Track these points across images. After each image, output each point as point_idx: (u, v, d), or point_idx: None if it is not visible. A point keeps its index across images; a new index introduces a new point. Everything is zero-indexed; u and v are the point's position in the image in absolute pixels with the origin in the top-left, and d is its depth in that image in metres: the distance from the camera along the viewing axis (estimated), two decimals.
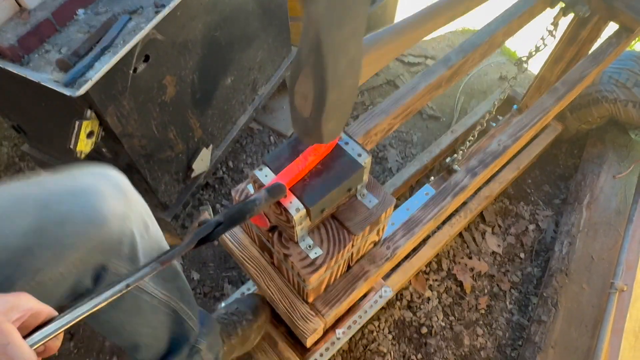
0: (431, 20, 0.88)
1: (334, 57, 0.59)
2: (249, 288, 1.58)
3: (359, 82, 0.69)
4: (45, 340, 0.55)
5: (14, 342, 0.50)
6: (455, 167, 1.84)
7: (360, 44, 0.63)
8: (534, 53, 1.54)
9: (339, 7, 0.55)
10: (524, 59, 1.58)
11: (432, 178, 1.88)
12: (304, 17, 0.55)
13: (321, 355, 1.43)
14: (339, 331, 1.43)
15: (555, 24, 1.51)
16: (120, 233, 0.82)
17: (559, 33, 1.61)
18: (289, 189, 0.79)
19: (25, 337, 0.53)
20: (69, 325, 0.57)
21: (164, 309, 1.03)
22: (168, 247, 0.98)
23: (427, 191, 1.80)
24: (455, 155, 1.83)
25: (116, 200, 0.82)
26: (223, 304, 1.52)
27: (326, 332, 1.43)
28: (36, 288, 0.72)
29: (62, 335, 0.59)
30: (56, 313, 0.58)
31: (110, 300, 0.60)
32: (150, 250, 0.93)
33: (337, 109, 0.67)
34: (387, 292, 1.51)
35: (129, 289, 0.62)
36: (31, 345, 0.53)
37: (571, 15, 1.55)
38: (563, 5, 1.47)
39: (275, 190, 0.75)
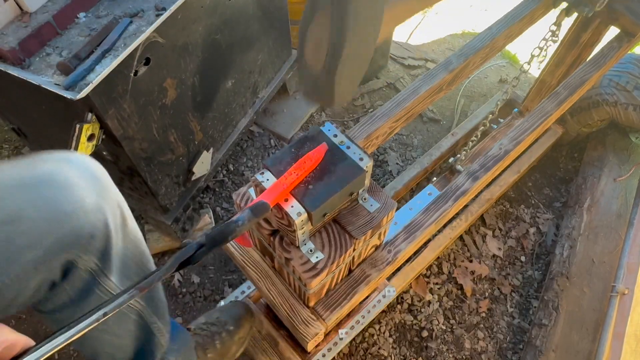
0: None
1: None
2: (249, 286, 1.57)
3: (378, 37, 0.63)
4: None
5: None
6: (459, 167, 1.84)
7: None
8: (537, 55, 1.54)
9: None
10: (528, 62, 1.58)
11: (435, 178, 1.88)
12: None
13: (323, 355, 1.43)
14: (341, 331, 1.42)
15: (558, 24, 1.51)
16: (91, 227, 0.73)
17: (561, 35, 1.60)
18: (290, 193, 0.79)
19: None
20: (45, 356, 0.55)
21: (132, 316, 0.94)
22: (146, 250, 0.95)
23: (430, 191, 1.80)
24: (459, 155, 1.83)
25: (86, 189, 0.73)
26: (221, 304, 1.48)
27: (329, 332, 1.42)
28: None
29: None
30: (33, 343, 0.57)
31: (86, 330, 0.58)
32: (125, 250, 0.86)
33: (352, 64, 0.60)
34: (391, 292, 1.50)
35: (106, 317, 0.59)
36: None
37: (573, 18, 1.55)
38: (566, 5, 1.47)
39: (258, 209, 0.72)
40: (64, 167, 0.73)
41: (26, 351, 0.55)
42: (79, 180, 0.73)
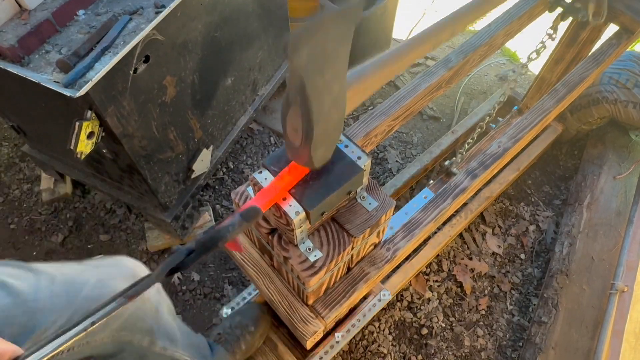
0: (416, 50, 0.93)
1: (318, 98, 0.64)
2: (250, 293, 1.58)
3: (344, 116, 0.75)
4: None
5: None
6: (454, 170, 1.84)
7: (343, 83, 0.69)
8: (534, 57, 1.54)
9: (320, 56, 0.60)
10: (525, 62, 1.58)
11: (431, 181, 1.88)
12: (289, 64, 0.60)
13: (320, 358, 1.43)
14: (337, 334, 1.43)
15: (554, 27, 1.51)
16: (141, 311, 0.99)
17: (559, 35, 1.60)
18: (288, 192, 0.79)
19: None
20: None
21: None
22: (175, 324, 1.16)
23: (425, 194, 1.80)
24: (454, 158, 1.82)
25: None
26: (224, 309, 1.53)
27: (325, 336, 1.43)
28: (81, 344, 0.85)
29: None
30: (22, 351, 0.57)
31: (75, 339, 0.59)
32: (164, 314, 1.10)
33: (324, 140, 0.72)
34: (386, 295, 1.51)
35: (94, 326, 0.60)
36: None
37: (569, 19, 1.55)
38: (562, 9, 1.47)
39: (249, 214, 0.72)
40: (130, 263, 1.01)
41: (16, 359, 0.56)
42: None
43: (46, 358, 0.56)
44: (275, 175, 0.80)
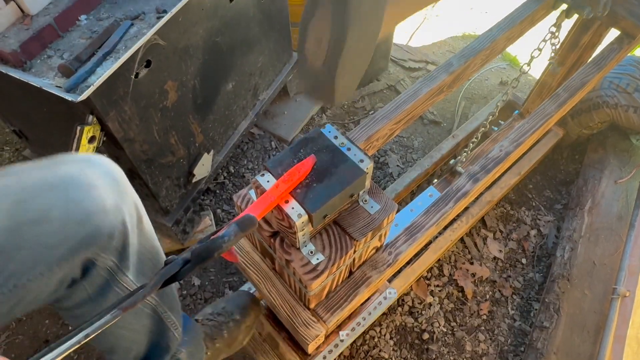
0: None
1: None
2: (249, 288, 1.57)
3: (379, 34, 0.62)
4: None
5: None
6: (459, 169, 1.84)
7: None
8: (536, 56, 1.54)
9: None
10: (528, 63, 1.59)
11: (436, 180, 1.88)
12: None
13: (324, 357, 1.42)
14: (342, 333, 1.42)
15: (557, 25, 1.51)
16: (110, 227, 0.75)
17: (561, 36, 1.60)
18: (290, 194, 0.79)
19: None
20: None
21: (148, 312, 0.97)
22: (159, 246, 0.97)
23: (431, 192, 1.79)
24: (459, 157, 1.83)
25: (106, 191, 0.75)
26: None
27: (329, 334, 1.42)
28: (14, 291, 0.68)
29: None
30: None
31: (68, 352, 0.57)
32: (140, 247, 0.88)
33: (353, 60, 0.60)
34: (392, 293, 1.50)
35: (87, 339, 0.59)
36: None
37: (573, 20, 1.55)
38: (566, 6, 1.47)
39: (245, 224, 0.71)
40: (86, 168, 0.75)
41: None
42: (101, 182, 0.75)
43: None
44: (278, 178, 0.80)
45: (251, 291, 1.49)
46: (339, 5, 0.52)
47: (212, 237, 0.69)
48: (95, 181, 0.74)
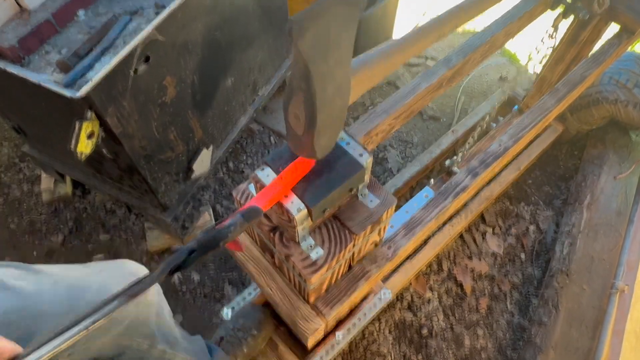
0: (421, 40, 0.94)
1: (321, 84, 0.64)
2: (250, 292, 1.58)
3: (347, 103, 0.74)
4: None
5: None
6: (455, 169, 1.84)
7: (347, 70, 0.69)
8: (533, 57, 1.54)
9: (324, 42, 0.60)
10: (526, 63, 1.58)
11: (432, 180, 1.88)
12: (294, 50, 0.60)
13: (321, 358, 1.43)
14: (338, 334, 1.42)
15: (555, 26, 1.51)
16: (143, 315, 0.99)
17: (559, 35, 1.60)
18: (291, 189, 0.79)
19: None
20: None
21: None
22: (175, 328, 1.19)
23: (426, 193, 1.79)
24: (455, 157, 1.82)
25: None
26: (225, 310, 1.51)
27: (326, 335, 1.43)
28: (82, 349, 0.84)
29: None
30: (20, 349, 0.57)
31: (78, 337, 0.58)
32: (162, 330, 1.10)
33: (327, 128, 0.71)
34: (387, 294, 1.51)
35: (96, 324, 0.59)
36: None
37: (571, 18, 1.55)
38: (563, 8, 1.47)
39: (250, 214, 0.72)
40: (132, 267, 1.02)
41: (14, 358, 0.55)
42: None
43: (46, 357, 0.55)
44: (278, 173, 0.80)
45: (244, 302, 1.53)
46: (308, 94, 0.64)
47: (217, 227, 0.70)
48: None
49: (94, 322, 0.59)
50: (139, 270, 1.02)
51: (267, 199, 0.76)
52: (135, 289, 0.63)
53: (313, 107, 0.65)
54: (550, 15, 1.54)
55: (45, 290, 0.80)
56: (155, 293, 1.08)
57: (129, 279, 0.88)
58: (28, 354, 0.55)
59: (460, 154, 1.78)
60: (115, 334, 0.93)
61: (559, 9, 1.48)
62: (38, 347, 0.55)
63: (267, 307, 1.50)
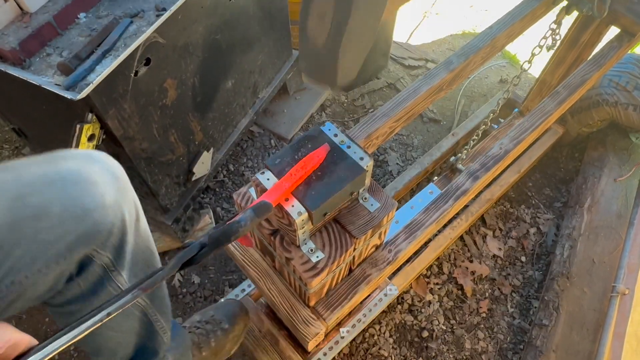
0: None
1: None
2: (249, 284, 1.57)
3: (382, 13, 0.63)
4: None
5: None
6: (460, 166, 1.84)
7: None
8: (537, 53, 1.54)
9: None
10: (529, 60, 1.59)
11: (437, 177, 1.88)
12: None
13: (324, 354, 1.43)
14: (343, 330, 1.42)
15: (558, 22, 1.51)
16: (109, 223, 0.75)
17: (562, 32, 1.60)
18: (292, 193, 0.79)
19: None
20: (49, 356, 0.55)
21: (137, 314, 0.96)
22: (155, 249, 0.96)
23: (431, 189, 1.79)
24: (460, 154, 1.83)
25: (106, 187, 0.75)
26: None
27: (329, 332, 1.42)
28: (11, 288, 0.67)
29: None
30: (36, 342, 0.57)
31: (90, 330, 0.58)
32: (136, 247, 0.87)
33: (356, 39, 0.59)
34: (393, 290, 1.50)
35: (110, 317, 0.59)
36: None
37: (573, 17, 1.55)
38: (566, 3, 1.47)
39: (261, 209, 0.72)
40: (86, 164, 0.75)
41: (30, 350, 0.55)
42: (101, 178, 0.75)
43: (60, 349, 0.56)
44: (279, 176, 0.80)
45: (243, 294, 1.48)
46: None
47: (228, 222, 0.70)
48: (95, 177, 0.74)
49: (108, 314, 0.59)
50: (91, 171, 0.75)
51: (278, 194, 0.77)
52: (148, 283, 0.62)
53: (349, 2, 0.54)
54: (551, 17, 1.55)
55: None
56: (131, 195, 0.86)
57: (79, 199, 0.71)
58: (44, 346, 0.55)
59: (465, 152, 1.78)
60: (65, 245, 0.71)
61: (562, 3, 1.47)
62: (51, 342, 0.55)
63: (243, 304, 1.41)
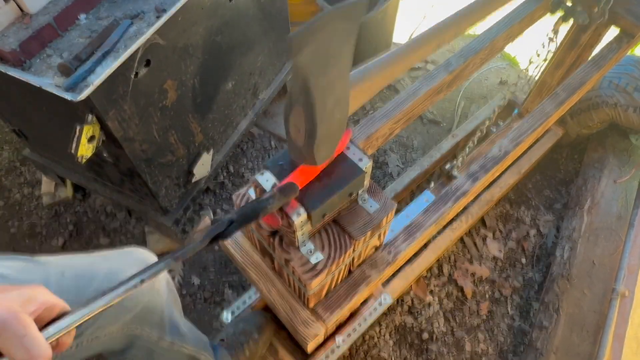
0: (419, 50, 0.95)
1: (321, 98, 0.65)
2: (250, 296, 1.57)
3: (347, 115, 0.75)
4: (59, 335, 0.54)
5: (31, 334, 0.49)
6: (455, 173, 1.84)
7: (346, 83, 0.69)
8: (534, 61, 1.55)
9: (323, 56, 0.60)
10: (527, 67, 1.59)
11: (432, 184, 1.88)
12: (293, 64, 0.60)
13: None
14: (339, 339, 1.42)
15: (555, 30, 1.52)
16: (152, 304, 0.98)
17: (559, 39, 1.61)
18: None
19: (40, 329, 0.52)
20: (82, 321, 0.56)
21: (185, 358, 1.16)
22: (183, 320, 1.19)
23: (426, 197, 1.80)
24: (455, 161, 1.82)
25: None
26: (225, 314, 1.52)
27: (326, 340, 1.42)
28: (90, 339, 0.83)
29: (74, 332, 0.58)
30: (69, 308, 0.58)
31: (123, 296, 0.59)
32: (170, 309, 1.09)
33: (327, 139, 0.73)
34: (387, 299, 1.50)
35: (143, 284, 0.61)
36: (46, 339, 0.52)
37: (571, 21, 1.55)
38: (563, 12, 1.48)
39: (287, 190, 0.75)
40: (140, 252, 1.00)
41: (64, 314, 0.55)
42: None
43: (94, 313, 0.57)
44: (279, 177, 0.80)
45: (244, 306, 1.54)
46: (308, 107, 0.65)
47: (256, 200, 0.73)
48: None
49: (142, 281, 0.61)
50: (148, 257, 1.01)
51: (304, 177, 0.78)
52: (180, 253, 0.65)
53: (313, 120, 0.66)
54: (551, 19, 1.55)
55: (52, 282, 0.79)
56: (164, 284, 1.07)
57: (138, 265, 0.90)
58: (76, 312, 0.56)
59: (460, 158, 1.78)
60: (125, 321, 0.92)
61: (559, 13, 1.49)
62: (85, 306, 0.56)
63: (267, 311, 1.50)
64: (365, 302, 1.51)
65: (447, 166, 1.87)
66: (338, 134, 0.77)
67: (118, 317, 0.90)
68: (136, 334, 0.97)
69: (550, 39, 1.53)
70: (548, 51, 1.57)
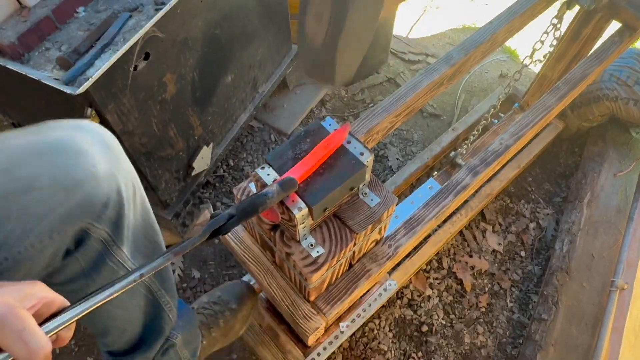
0: None
1: None
2: (249, 279, 1.57)
3: (381, 11, 0.64)
4: (58, 329, 0.54)
5: (30, 328, 0.49)
6: (459, 161, 1.84)
7: None
8: (538, 48, 1.54)
9: None
10: (530, 55, 1.58)
11: (436, 172, 1.88)
12: None
13: (324, 349, 1.43)
14: (342, 324, 1.42)
15: (559, 17, 1.51)
16: (103, 195, 0.72)
17: (563, 27, 1.60)
18: None
19: (39, 325, 0.52)
20: (81, 316, 0.56)
21: (143, 291, 0.95)
22: (155, 222, 0.95)
23: (431, 184, 1.80)
24: (460, 149, 1.83)
25: (98, 158, 0.71)
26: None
27: (329, 326, 1.43)
28: (4, 264, 0.65)
29: (74, 326, 0.57)
30: (68, 303, 0.57)
31: (122, 291, 0.58)
32: (135, 221, 0.85)
33: (354, 38, 0.61)
34: (392, 285, 1.50)
35: (143, 278, 0.60)
36: (46, 333, 0.52)
37: (574, 11, 1.55)
38: None
39: (287, 184, 0.75)
40: (76, 134, 0.71)
41: (62, 310, 0.56)
42: (92, 148, 0.72)
43: (92, 308, 0.56)
44: (280, 171, 0.80)
45: (250, 282, 1.49)
46: None
47: (255, 194, 0.72)
48: (85, 147, 0.71)
49: (141, 276, 0.60)
50: (83, 140, 0.72)
51: (302, 171, 0.78)
52: (180, 247, 0.64)
53: (345, 1, 0.55)
54: (552, 12, 1.54)
55: None
56: (127, 166, 0.81)
57: (69, 170, 0.68)
58: (75, 306, 0.56)
59: (465, 147, 1.78)
60: (57, 219, 0.68)
61: None
62: (84, 301, 0.56)
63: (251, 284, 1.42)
64: (369, 288, 1.51)
65: (452, 154, 1.87)
66: (367, 37, 0.68)
67: (27, 225, 0.66)
68: (80, 228, 0.73)
69: (555, 26, 1.52)
70: (551, 40, 1.57)
